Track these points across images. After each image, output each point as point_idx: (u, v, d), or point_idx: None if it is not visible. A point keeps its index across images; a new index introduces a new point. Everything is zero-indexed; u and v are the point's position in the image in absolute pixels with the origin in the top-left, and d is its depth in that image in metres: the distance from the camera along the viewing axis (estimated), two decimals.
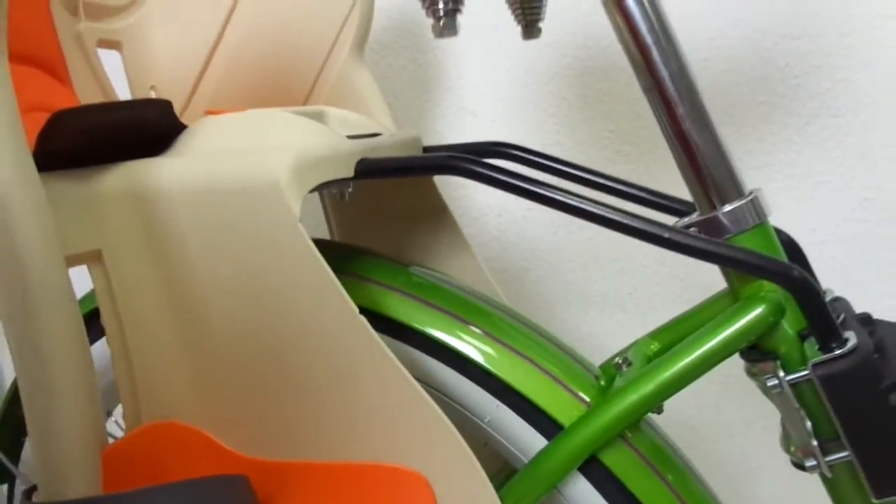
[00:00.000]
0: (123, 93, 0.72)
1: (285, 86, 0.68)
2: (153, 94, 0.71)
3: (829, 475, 0.39)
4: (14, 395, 0.66)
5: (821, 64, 0.73)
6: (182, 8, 0.70)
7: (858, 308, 0.65)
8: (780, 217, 0.77)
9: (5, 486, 0.71)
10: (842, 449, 0.38)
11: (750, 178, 0.76)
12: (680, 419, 0.84)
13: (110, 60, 0.71)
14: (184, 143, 0.46)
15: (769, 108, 0.75)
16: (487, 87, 0.84)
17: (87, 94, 0.68)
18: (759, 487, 0.83)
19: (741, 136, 0.77)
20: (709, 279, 0.48)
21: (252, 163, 0.40)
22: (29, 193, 0.33)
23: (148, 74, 0.71)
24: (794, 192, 0.77)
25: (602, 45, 0.69)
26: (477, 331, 0.46)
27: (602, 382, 0.45)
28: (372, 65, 0.67)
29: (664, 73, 0.39)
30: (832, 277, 0.77)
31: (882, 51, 0.72)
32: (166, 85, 0.71)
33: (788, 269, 0.38)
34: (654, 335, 0.48)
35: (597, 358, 0.50)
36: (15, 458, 0.66)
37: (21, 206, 0.33)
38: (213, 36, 0.69)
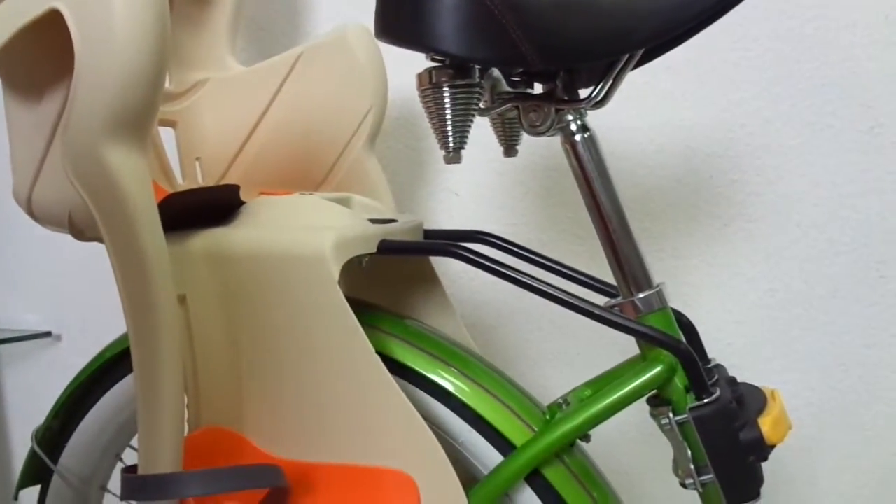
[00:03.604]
0: (173, 161, 0.85)
1: (307, 167, 0.77)
2: (198, 165, 0.81)
3: (701, 491, 0.54)
4: (55, 412, 0.75)
5: (737, 179, 0.89)
6: (230, 96, 0.80)
7: (760, 374, 0.80)
8: (703, 298, 0.93)
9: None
10: (709, 471, 0.52)
11: (681, 265, 0.91)
12: (616, 465, 0.99)
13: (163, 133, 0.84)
14: (247, 216, 0.59)
15: (697, 210, 0.90)
16: (470, 173, 0.97)
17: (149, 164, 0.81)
18: None
19: (675, 231, 0.91)
20: (633, 344, 0.59)
21: (304, 238, 0.53)
22: (161, 251, 0.47)
23: (195, 148, 0.81)
24: (715, 279, 0.91)
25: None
26: (456, 371, 0.58)
27: (547, 417, 0.58)
28: (376, 148, 0.77)
29: (602, 198, 0.54)
30: (743, 349, 0.93)
31: (785, 172, 0.87)
32: (210, 158, 0.81)
33: (678, 343, 0.52)
34: (587, 384, 0.60)
35: (547, 402, 0.61)
36: (53, 462, 0.76)
37: (156, 260, 0.47)
38: (252, 121, 0.79)
